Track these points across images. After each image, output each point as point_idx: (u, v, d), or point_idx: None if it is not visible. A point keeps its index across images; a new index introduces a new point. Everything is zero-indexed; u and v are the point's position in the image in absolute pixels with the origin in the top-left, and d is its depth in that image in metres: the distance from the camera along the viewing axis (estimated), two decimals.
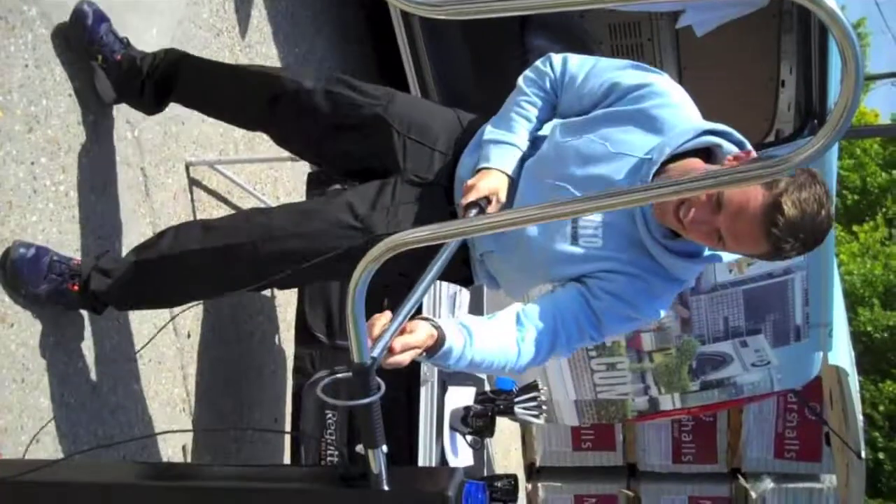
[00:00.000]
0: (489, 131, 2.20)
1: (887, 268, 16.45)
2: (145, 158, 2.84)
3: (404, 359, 1.70)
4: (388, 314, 1.63)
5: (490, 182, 2.08)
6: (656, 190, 1.27)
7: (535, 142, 2.21)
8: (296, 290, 3.11)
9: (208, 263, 2.25)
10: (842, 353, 4.42)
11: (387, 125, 2.29)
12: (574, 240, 2.07)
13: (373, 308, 1.50)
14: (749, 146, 2.07)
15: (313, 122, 2.34)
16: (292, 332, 3.20)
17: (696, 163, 2.03)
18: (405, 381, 2.69)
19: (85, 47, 2.46)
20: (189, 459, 3.01)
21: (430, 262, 1.69)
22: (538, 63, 2.23)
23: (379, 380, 1.45)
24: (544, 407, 2.98)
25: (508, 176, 2.13)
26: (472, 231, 1.61)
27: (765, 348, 3.99)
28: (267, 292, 3.61)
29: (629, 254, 2.07)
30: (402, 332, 1.68)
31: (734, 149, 2.05)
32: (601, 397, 4.22)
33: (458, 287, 2.91)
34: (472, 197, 2.04)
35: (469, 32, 4.08)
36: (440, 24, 3.69)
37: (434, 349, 1.79)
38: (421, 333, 1.74)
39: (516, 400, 3.05)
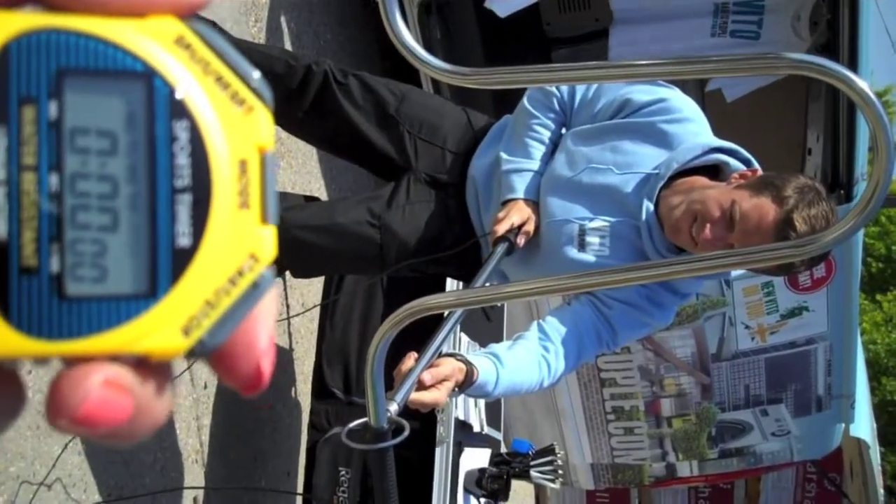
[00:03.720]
0: (507, 160, 2.21)
1: None
2: None
3: (441, 395, 1.71)
4: (413, 355, 1.63)
5: (521, 214, 2.12)
6: (682, 265, 1.26)
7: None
8: (314, 343, 3.10)
9: None
10: (863, 425, 4.36)
11: (397, 125, 2.33)
12: (581, 248, 2.09)
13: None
14: (756, 164, 2.10)
15: (339, 113, 2.35)
16: (309, 384, 3.17)
17: (702, 180, 2.06)
18: (421, 442, 2.65)
19: None
20: None
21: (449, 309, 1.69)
22: None
23: (404, 420, 1.44)
24: (560, 471, 2.92)
25: (535, 202, 2.16)
26: (495, 299, 1.60)
27: (785, 418, 3.94)
28: (285, 344, 3.59)
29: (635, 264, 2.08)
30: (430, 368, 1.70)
31: (741, 166, 2.08)
32: (618, 462, 4.16)
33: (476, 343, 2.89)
34: (503, 228, 2.06)
35: (485, 28, 4.11)
36: (455, 19, 3.79)
37: (466, 382, 1.80)
38: (448, 366, 1.75)
39: (532, 463, 2.99)
